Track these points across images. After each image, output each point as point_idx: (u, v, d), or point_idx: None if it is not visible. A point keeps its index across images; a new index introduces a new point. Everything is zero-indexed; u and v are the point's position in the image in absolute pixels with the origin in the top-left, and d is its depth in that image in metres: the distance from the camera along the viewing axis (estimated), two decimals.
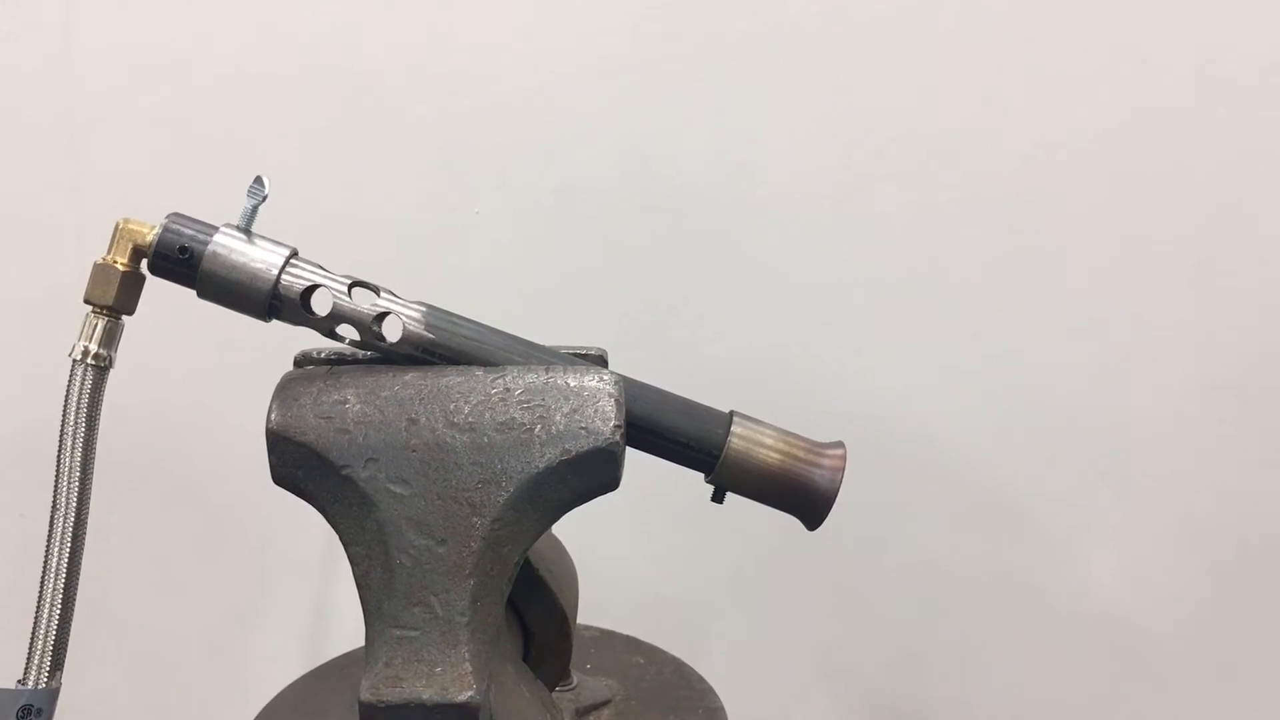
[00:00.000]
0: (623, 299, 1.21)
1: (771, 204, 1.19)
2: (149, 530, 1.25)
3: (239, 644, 1.28)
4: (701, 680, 0.93)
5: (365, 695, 0.57)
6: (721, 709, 0.89)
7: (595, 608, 1.00)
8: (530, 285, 1.21)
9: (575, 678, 0.88)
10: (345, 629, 1.26)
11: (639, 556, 1.26)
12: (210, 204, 0.70)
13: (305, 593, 1.28)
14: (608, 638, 1.00)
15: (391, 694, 0.57)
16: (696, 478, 0.70)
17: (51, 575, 0.62)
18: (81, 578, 0.63)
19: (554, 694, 0.84)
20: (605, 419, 0.63)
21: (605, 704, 0.88)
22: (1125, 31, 1.15)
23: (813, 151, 1.18)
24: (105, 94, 1.17)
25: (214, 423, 1.21)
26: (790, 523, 0.71)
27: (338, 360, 0.67)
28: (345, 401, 0.62)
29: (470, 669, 0.58)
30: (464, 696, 0.57)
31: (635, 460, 0.70)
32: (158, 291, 0.66)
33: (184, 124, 1.18)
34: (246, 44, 1.17)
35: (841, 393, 1.21)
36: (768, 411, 0.71)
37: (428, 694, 0.57)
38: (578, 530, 0.89)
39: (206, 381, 1.21)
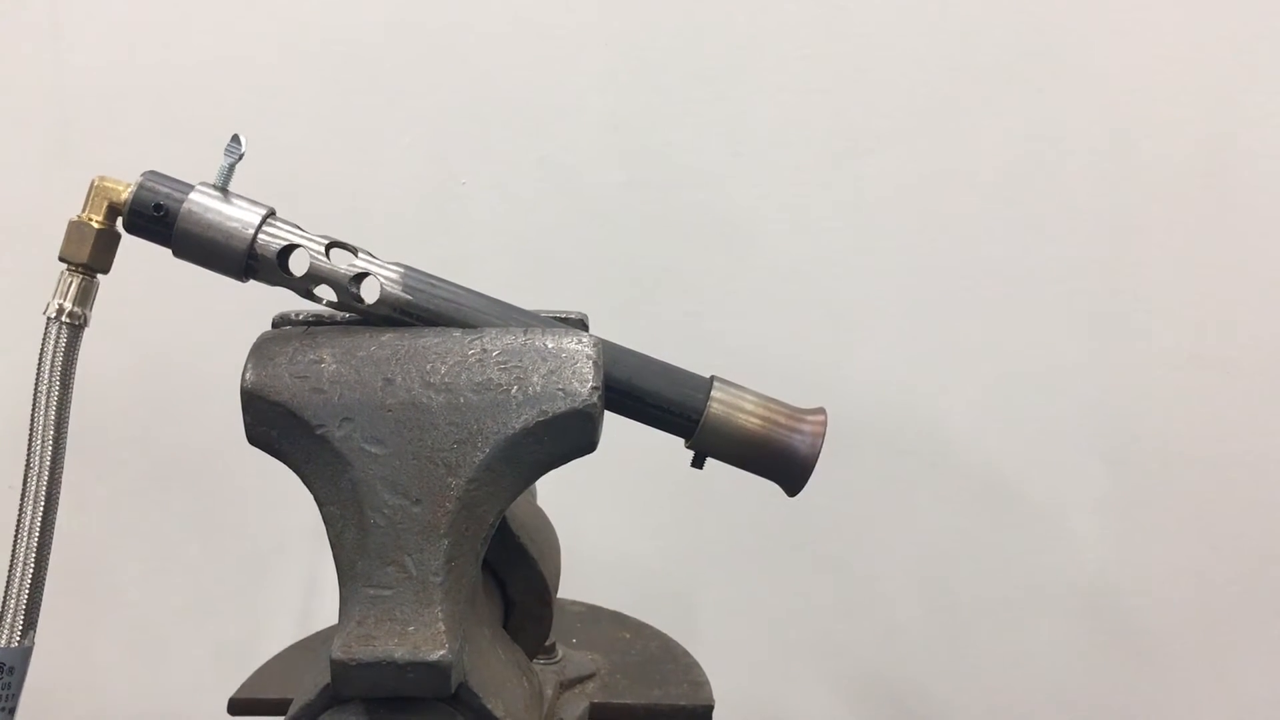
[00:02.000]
0: (610, 273, 1.20)
1: (761, 178, 1.18)
2: (138, 503, 1.25)
3: (232, 615, 1.28)
4: (687, 655, 0.93)
5: (337, 653, 0.56)
6: (707, 683, 0.89)
7: (583, 583, 1.00)
8: (517, 258, 1.20)
9: (560, 651, 0.88)
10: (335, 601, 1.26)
11: (627, 533, 1.26)
12: (201, 173, 0.69)
13: (296, 565, 1.27)
14: (594, 613, 1.00)
15: (363, 652, 0.56)
16: (685, 455, 0.69)
17: (25, 535, 0.61)
18: (78, 549, 0.63)
19: (538, 666, 0.84)
20: (583, 380, 0.62)
21: (590, 677, 0.88)
22: (1121, 6, 1.14)
23: (803, 125, 1.17)
24: (94, 70, 1.17)
25: (201, 389, 1.21)
26: (778, 498, 0.71)
27: (315, 321, 0.66)
28: (321, 361, 0.62)
29: (443, 628, 0.57)
30: (436, 655, 0.56)
31: (625, 438, 0.69)
32: (141, 252, 0.66)
33: (171, 99, 1.18)
34: (233, 19, 1.17)
35: (830, 369, 1.21)
36: (755, 387, 0.70)
37: (400, 652, 0.56)
38: (566, 506, 0.89)
39: (191, 345, 1.21)
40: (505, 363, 0.62)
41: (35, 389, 0.62)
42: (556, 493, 0.84)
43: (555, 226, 1.19)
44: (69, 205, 0.65)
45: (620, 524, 1.26)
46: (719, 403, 0.66)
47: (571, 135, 1.18)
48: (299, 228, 0.65)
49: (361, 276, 0.64)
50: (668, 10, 1.15)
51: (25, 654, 0.61)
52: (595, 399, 0.62)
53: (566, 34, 1.16)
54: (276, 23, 1.17)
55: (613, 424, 0.67)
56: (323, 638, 0.95)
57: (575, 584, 0.93)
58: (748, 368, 0.78)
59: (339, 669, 0.56)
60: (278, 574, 1.28)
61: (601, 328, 0.68)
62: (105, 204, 0.63)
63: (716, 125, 1.17)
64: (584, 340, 0.64)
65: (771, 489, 0.70)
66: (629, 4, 1.15)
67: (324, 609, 1.27)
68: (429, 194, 1.19)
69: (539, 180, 1.19)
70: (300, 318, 0.66)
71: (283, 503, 1.24)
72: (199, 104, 1.18)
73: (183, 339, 1.21)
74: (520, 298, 0.69)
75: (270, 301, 0.67)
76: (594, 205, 1.19)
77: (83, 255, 0.63)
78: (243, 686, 0.88)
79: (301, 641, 0.98)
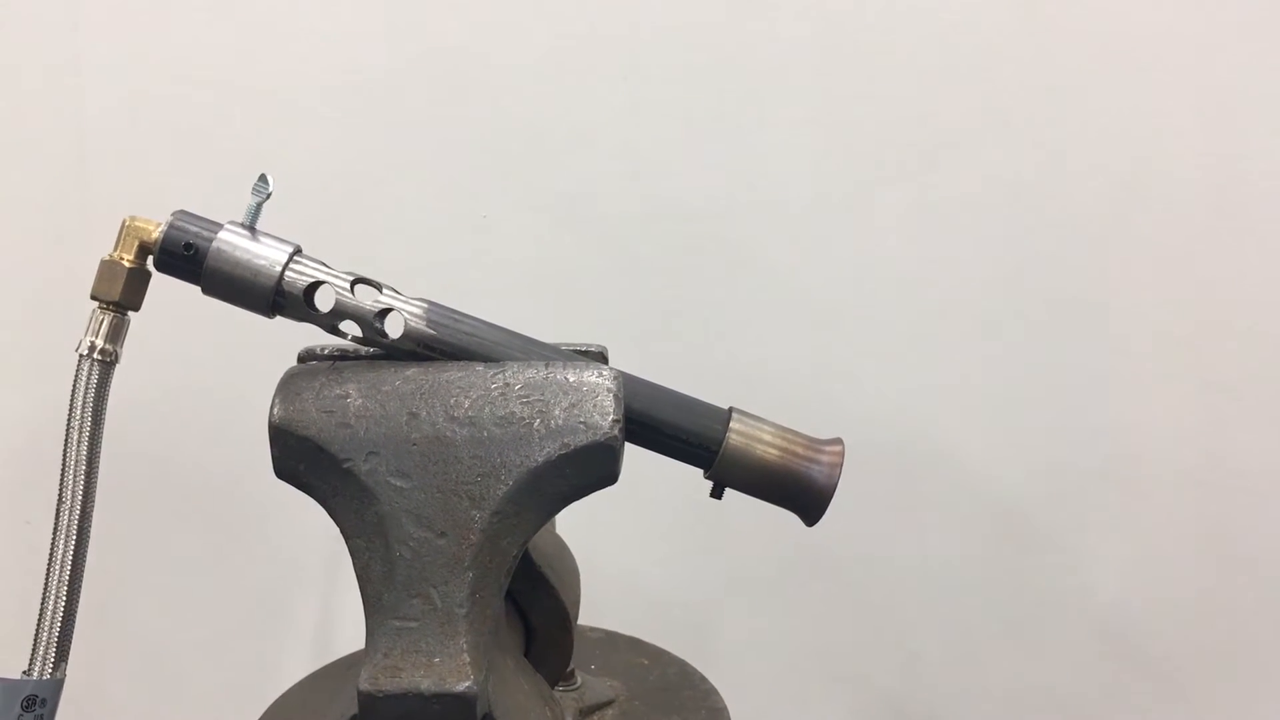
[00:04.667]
0: (627, 302, 1.21)
1: (775, 208, 1.20)
2: (160, 533, 1.26)
3: (249, 645, 1.29)
4: (705, 680, 0.93)
5: (364, 685, 0.57)
6: (725, 709, 0.89)
7: (600, 609, 1.00)
8: (536, 289, 1.21)
9: (579, 678, 0.88)
10: (355, 631, 1.27)
11: (644, 559, 1.26)
12: (219, 206, 0.71)
13: (315, 594, 1.28)
14: (612, 639, 1.00)
15: (390, 684, 0.57)
16: (703, 482, 0.70)
17: (56, 568, 0.62)
18: (93, 581, 0.64)
19: (558, 693, 0.84)
20: (604, 414, 0.63)
21: (609, 704, 0.88)
22: (1125, 33, 1.15)
23: (815, 156, 1.18)
24: (114, 97, 1.19)
25: (224, 423, 1.22)
26: (794, 524, 0.71)
27: (340, 356, 0.67)
28: (347, 396, 0.63)
29: (468, 660, 0.58)
30: (461, 686, 0.57)
31: (642, 464, 0.70)
32: (169, 290, 0.67)
33: (193, 128, 1.19)
34: (256, 49, 1.18)
35: (844, 395, 1.22)
36: (771, 414, 0.71)
37: (426, 684, 0.57)
38: (584, 532, 0.90)
39: (217, 380, 1.22)
40: (527, 396, 0.63)
41: (68, 424, 0.63)
42: (576, 520, 0.85)
43: (575, 259, 1.21)
44: (87, 241, 0.66)
45: (638, 551, 1.26)
46: (737, 434, 0.67)
47: (590, 168, 1.19)
48: (325, 264, 0.66)
49: (386, 312, 0.66)
50: (686, 45, 1.17)
51: (57, 686, 0.62)
52: (616, 431, 0.63)
53: (585, 68, 1.18)
54: (296, 59, 1.18)
55: (632, 451, 0.68)
56: (342, 666, 0.96)
57: (593, 610, 0.94)
58: (766, 397, 0.79)
59: (366, 701, 0.57)
60: (294, 605, 1.28)
61: (621, 359, 0.69)
62: (136, 243, 0.64)
63: (734, 158, 1.18)
64: (604, 373, 0.65)
65: (789, 516, 0.71)
66: (647, 39, 1.17)
67: (341, 639, 1.27)
68: (450, 227, 1.21)
69: (559, 213, 1.20)
70: (326, 352, 0.68)
71: (299, 533, 1.25)
72: (218, 140, 1.19)
73: (209, 373, 1.22)
74: (540, 330, 0.70)
75: (297, 336, 0.68)
76: (613, 238, 1.20)
77: (114, 293, 0.64)
78: (263, 716, 0.89)
79: (320, 670, 0.98)
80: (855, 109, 1.17)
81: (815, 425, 0.72)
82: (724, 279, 1.21)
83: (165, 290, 0.67)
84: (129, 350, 0.67)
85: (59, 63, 1.18)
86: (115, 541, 1.23)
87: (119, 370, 0.66)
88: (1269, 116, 1.15)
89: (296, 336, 0.68)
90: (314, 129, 1.19)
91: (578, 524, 0.89)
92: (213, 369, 1.22)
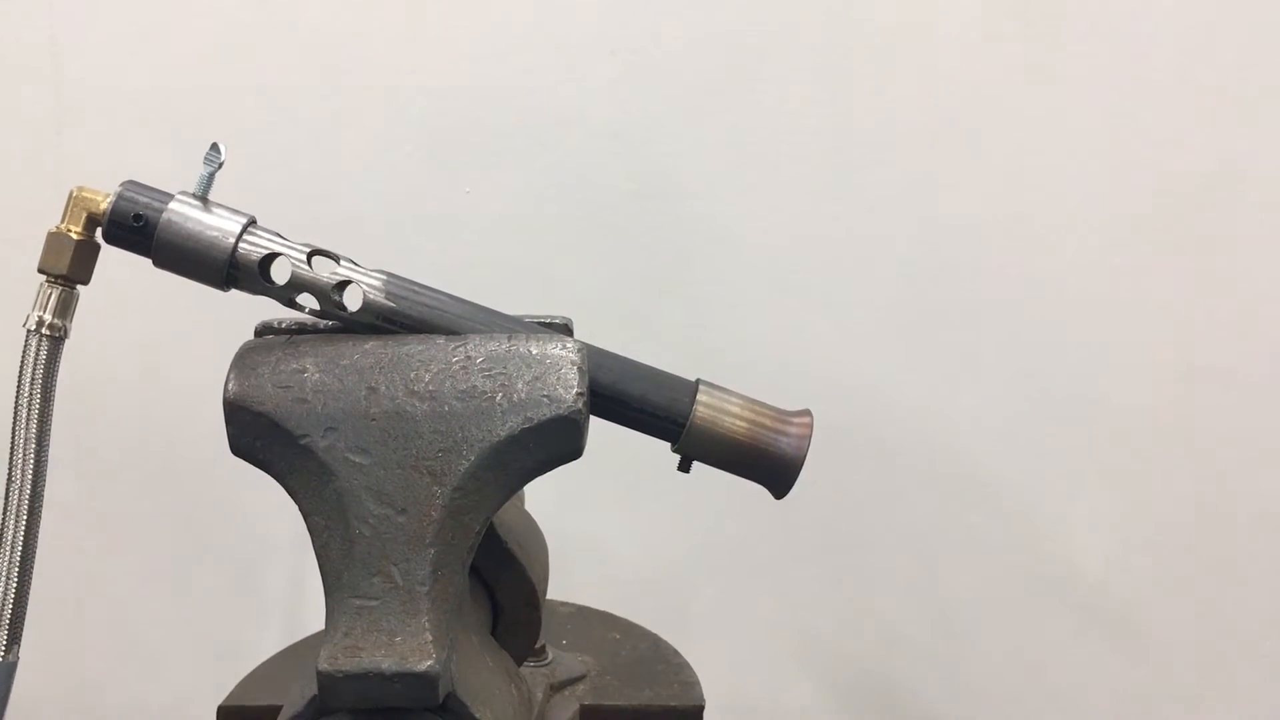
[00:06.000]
0: (613, 281, 1.20)
1: (762, 188, 1.19)
2: (127, 513, 1.25)
3: (221, 622, 1.28)
4: (677, 655, 0.93)
5: (323, 665, 0.56)
6: (697, 683, 0.89)
7: (573, 584, 1.00)
8: (520, 265, 1.20)
9: (551, 653, 0.88)
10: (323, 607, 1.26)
11: (617, 533, 1.26)
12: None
13: (287, 571, 1.27)
14: (584, 614, 1.00)
15: (350, 663, 0.56)
16: (674, 454, 0.69)
17: (7, 549, 0.61)
18: (69, 560, 0.63)
19: (529, 668, 0.84)
20: (568, 387, 0.62)
21: (581, 679, 0.88)
22: (1121, 18, 1.14)
23: (804, 136, 1.17)
24: (91, 79, 1.17)
25: (196, 399, 1.20)
26: (769, 500, 0.71)
27: (299, 330, 0.66)
28: (304, 370, 0.62)
29: (430, 638, 0.57)
30: (423, 665, 0.56)
31: (615, 437, 0.69)
32: (128, 267, 0.65)
33: (170, 108, 1.17)
34: (234, 27, 1.16)
35: (831, 376, 1.21)
36: (757, 395, 0.69)
37: (386, 663, 0.56)
38: (556, 506, 0.89)
39: (187, 356, 1.20)
40: (489, 369, 0.62)
41: (16, 402, 0.62)
42: (546, 494, 0.84)
43: (558, 234, 1.20)
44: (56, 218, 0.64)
45: (610, 524, 1.25)
46: (705, 406, 0.66)
47: (576, 144, 1.18)
48: (280, 236, 0.64)
49: (344, 284, 0.64)
50: (672, 22, 1.16)
51: (9, 669, 0.61)
52: (580, 405, 0.61)
53: (572, 44, 1.16)
54: (279, 30, 1.16)
55: (602, 422, 0.67)
56: (310, 644, 0.95)
57: (565, 585, 0.93)
58: (750, 374, 0.78)
59: (326, 681, 0.56)
60: (265, 581, 1.27)
61: (603, 335, 0.68)
62: (84, 215, 0.62)
63: (719, 135, 1.17)
64: (568, 346, 0.63)
65: (762, 489, 0.70)
66: (633, 15, 1.16)
67: (311, 615, 1.26)
68: (433, 201, 1.19)
69: (543, 188, 1.19)
70: (283, 326, 0.66)
71: (270, 510, 1.23)
72: (198, 110, 1.17)
73: (172, 348, 1.21)
74: (522, 304, 0.69)
75: (256, 310, 0.66)
76: (597, 214, 1.19)
77: (62, 266, 0.62)
78: (231, 694, 0.88)
79: (289, 648, 0.97)
80: (847, 91, 1.16)
81: (800, 404, 0.70)
82: (711, 259, 1.20)
83: (121, 262, 0.65)
84: (96, 329, 0.65)
85: (35, 40, 1.16)
86: (88, 520, 1.22)
87: (89, 349, 0.64)
88: (1261, 105, 1.15)
89: (256, 310, 0.67)
90: (296, 103, 1.18)
91: (549, 497, 0.88)
92: (175, 343, 1.20)
